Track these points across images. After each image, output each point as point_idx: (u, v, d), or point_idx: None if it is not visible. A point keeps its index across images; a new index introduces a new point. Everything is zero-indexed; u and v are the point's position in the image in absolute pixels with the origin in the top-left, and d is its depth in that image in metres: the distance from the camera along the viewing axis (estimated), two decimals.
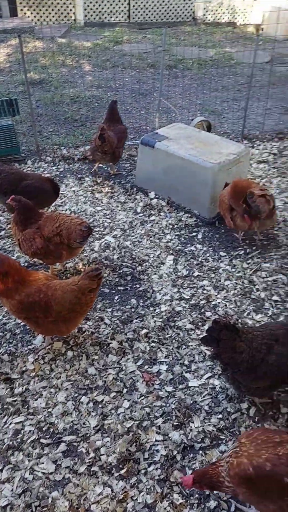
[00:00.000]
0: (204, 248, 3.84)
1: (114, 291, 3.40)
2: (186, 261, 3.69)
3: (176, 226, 4.12)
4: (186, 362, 2.84)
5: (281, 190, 4.65)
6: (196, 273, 3.55)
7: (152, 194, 4.51)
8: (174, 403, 2.59)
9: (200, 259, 3.71)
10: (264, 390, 2.51)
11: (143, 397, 2.62)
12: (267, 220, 3.76)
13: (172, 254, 3.76)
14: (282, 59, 8.23)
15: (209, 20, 11.00)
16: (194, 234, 4.03)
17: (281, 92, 6.71)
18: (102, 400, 2.61)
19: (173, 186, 4.34)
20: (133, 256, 3.72)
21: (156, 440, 2.41)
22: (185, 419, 2.50)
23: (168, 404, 2.59)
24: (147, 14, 10.73)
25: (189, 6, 10.82)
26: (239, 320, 3.13)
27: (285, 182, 4.80)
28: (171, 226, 4.10)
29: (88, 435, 2.44)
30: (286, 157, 5.28)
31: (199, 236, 4.00)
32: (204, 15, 10.87)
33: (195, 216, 4.22)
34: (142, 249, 3.81)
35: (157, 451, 2.36)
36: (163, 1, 10.67)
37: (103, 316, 3.15)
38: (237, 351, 2.39)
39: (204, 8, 10.77)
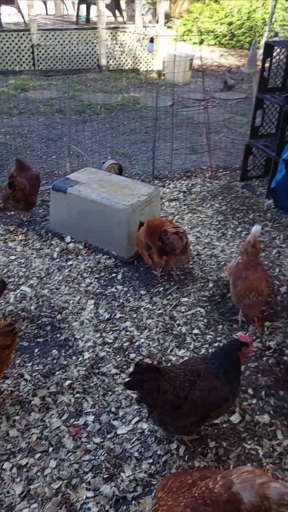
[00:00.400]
0: (125, 289, 3.87)
1: (33, 344, 3.28)
2: (107, 303, 3.68)
3: (95, 268, 4.12)
4: (113, 409, 2.79)
5: (192, 226, 4.87)
6: (118, 315, 3.55)
7: (68, 238, 4.49)
8: (103, 455, 2.51)
9: (121, 300, 3.73)
10: (191, 426, 2.52)
11: (70, 453, 2.52)
12: (182, 256, 3.91)
13: (92, 298, 3.74)
14: (183, 103, 8.81)
15: (113, 67, 11.52)
16: (113, 275, 4.06)
17: (185, 134, 7.13)
18: (27, 463, 2.45)
19: (89, 229, 4.37)
20: (52, 305, 3.64)
21: (86, 497, 2.31)
22: (116, 469, 2.43)
23: (97, 457, 2.50)
24: (52, 62, 10.99)
25: (92, 55, 11.28)
26: (163, 358, 3.15)
27: (196, 218, 5.04)
28: (90, 269, 4.10)
29: (13, 504, 2.27)
30: (195, 194, 5.57)
31: (119, 276, 4.03)
32: (108, 62, 11.37)
33: (113, 257, 4.26)
34: (61, 296, 3.75)
35: (89, 509, 2.26)
36: (67, 50, 11.02)
37: (23, 372, 3.01)
38: (161, 391, 2.40)
39: (108, 56, 11.29)
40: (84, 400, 2.84)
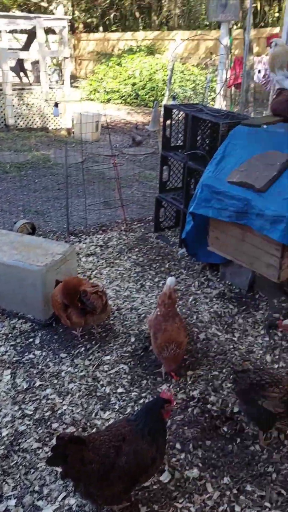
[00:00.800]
0: (44, 353, 3.74)
1: None
2: (25, 372, 3.52)
3: (10, 335, 3.95)
4: (36, 488, 2.60)
5: (111, 279, 4.91)
6: (38, 383, 3.40)
7: None
8: None
9: (40, 367, 3.58)
10: (120, 494, 2.43)
11: None
12: (102, 314, 3.91)
13: (8, 367, 3.55)
14: (94, 159, 9.09)
15: (21, 126, 11.65)
16: (31, 340, 3.91)
17: (98, 189, 7.31)
18: None
19: (2, 294, 4.21)
20: None
21: None
22: None
23: None
24: None
25: None
26: (88, 424, 3.05)
27: (114, 271, 5.09)
28: (4, 336, 3.92)
29: None
30: (112, 248, 5.65)
31: (37, 341, 3.89)
32: (16, 122, 11.48)
33: (30, 321, 4.13)
34: None
35: None
36: None
37: None
38: (86, 462, 2.31)
39: (15, 116, 11.41)
40: (4, 482, 2.62)
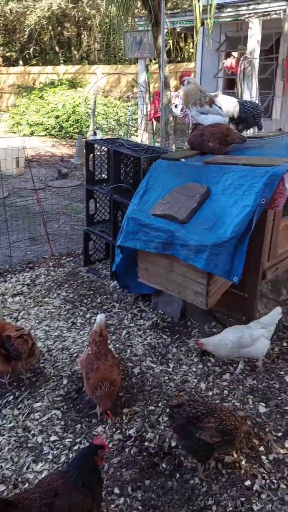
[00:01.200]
0: None
1: None
2: None
3: None
4: None
5: (40, 320, 4.73)
6: None
7: None
8: None
9: None
10: None
11: None
12: (30, 358, 3.73)
13: None
14: (19, 194, 8.91)
15: None
16: None
17: (23, 224, 7.13)
18: None
19: None
20: None
21: None
22: None
23: None
24: None
25: None
26: (19, 479, 2.86)
27: (43, 310, 4.92)
28: None
29: None
30: (40, 285, 5.48)
31: None
32: None
33: None
34: None
35: None
36: None
37: None
38: None
39: None
40: None
